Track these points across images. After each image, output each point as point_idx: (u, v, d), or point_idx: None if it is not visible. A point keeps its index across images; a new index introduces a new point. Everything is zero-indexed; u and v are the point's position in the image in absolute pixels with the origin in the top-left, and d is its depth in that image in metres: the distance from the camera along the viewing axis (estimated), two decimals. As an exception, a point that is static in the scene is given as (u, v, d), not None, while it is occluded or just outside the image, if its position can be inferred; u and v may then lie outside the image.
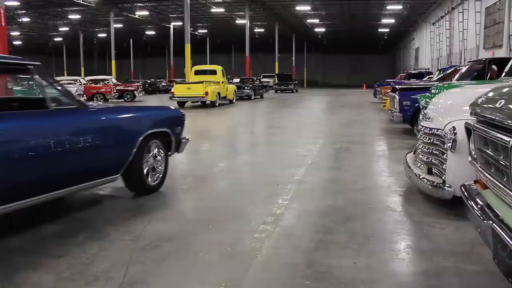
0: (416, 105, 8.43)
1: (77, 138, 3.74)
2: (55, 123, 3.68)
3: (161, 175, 4.79)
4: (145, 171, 4.52)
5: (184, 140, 5.14)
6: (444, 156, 3.81)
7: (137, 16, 36.60)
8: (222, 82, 20.09)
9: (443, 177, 3.82)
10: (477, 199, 2.39)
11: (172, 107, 5.61)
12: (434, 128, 4.02)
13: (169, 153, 4.94)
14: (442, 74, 11.57)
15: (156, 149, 4.72)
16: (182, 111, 5.34)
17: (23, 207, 3.36)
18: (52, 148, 3.46)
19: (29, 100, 4.61)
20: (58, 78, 22.99)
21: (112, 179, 4.25)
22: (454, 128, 3.59)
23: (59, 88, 3.94)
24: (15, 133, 3.30)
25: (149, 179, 4.61)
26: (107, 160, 4.16)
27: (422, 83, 12.00)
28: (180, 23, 37.59)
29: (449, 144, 3.61)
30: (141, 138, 4.41)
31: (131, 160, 4.31)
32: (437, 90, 6.21)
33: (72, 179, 3.79)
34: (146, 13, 36.57)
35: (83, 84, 21.39)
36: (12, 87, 11.16)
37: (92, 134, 3.88)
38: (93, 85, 22.34)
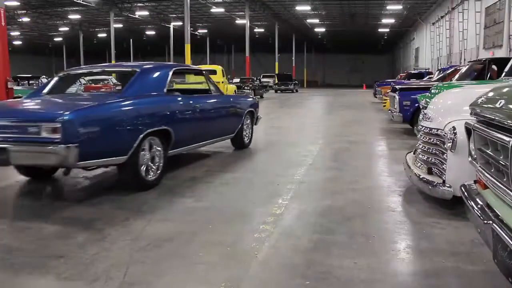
0: (416, 105, 8.43)
1: (222, 109, 6.74)
2: (210, 100, 6.53)
3: (250, 138, 7.74)
4: (244, 134, 7.42)
5: (259, 117, 8.11)
6: (444, 156, 3.81)
7: (137, 16, 36.59)
8: (222, 82, 20.06)
9: (443, 177, 3.82)
10: (477, 199, 2.39)
11: (253, 97, 9.11)
12: (434, 128, 4.02)
13: (254, 124, 7.90)
14: (442, 74, 11.57)
15: (248, 120, 7.59)
16: (256, 99, 8.52)
17: (197, 148, 6.22)
18: (206, 113, 6.14)
19: (202, 90, 7.09)
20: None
21: (230, 137, 7.06)
22: (454, 128, 3.59)
23: (213, 84, 6.91)
24: (195, 105, 5.85)
25: (245, 139, 7.55)
26: (230, 125, 6.97)
27: (422, 83, 12.00)
28: (180, 23, 37.58)
29: (449, 144, 3.61)
30: (245, 112, 7.34)
31: (240, 126, 7.19)
32: (437, 90, 6.22)
33: (216, 134, 6.53)
34: (146, 13, 36.56)
35: (83, 84, 21.35)
36: (12, 87, 11.20)
37: (227, 108, 6.90)
38: (93, 85, 22.31)
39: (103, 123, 4.37)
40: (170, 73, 5.65)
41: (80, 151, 3.99)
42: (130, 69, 5.79)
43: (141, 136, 4.64)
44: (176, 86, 8.15)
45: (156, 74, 5.59)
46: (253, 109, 7.70)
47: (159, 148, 5.01)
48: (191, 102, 5.84)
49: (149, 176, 4.85)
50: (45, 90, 5.60)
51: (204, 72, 6.89)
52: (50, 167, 4.99)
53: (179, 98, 5.76)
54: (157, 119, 5.04)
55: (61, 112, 4.07)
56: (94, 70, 6.44)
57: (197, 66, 22.73)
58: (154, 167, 4.93)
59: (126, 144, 4.51)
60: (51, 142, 3.93)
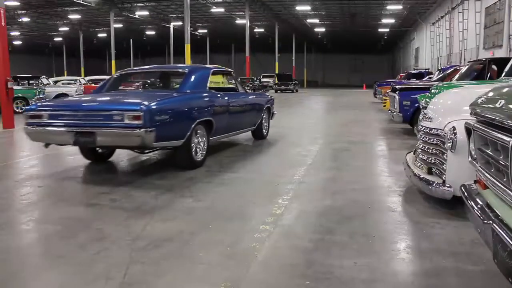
0: (416, 105, 8.44)
1: (247, 105, 7.82)
2: (240, 97, 7.66)
3: (267, 130, 8.90)
4: (263, 126, 8.56)
5: (274, 112, 9.29)
6: (444, 156, 3.81)
7: (137, 16, 36.60)
8: (222, 83, 20.08)
9: (443, 177, 3.82)
10: (477, 199, 2.38)
11: (269, 95, 9.77)
12: (434, 128, 4.02)
13: (270, 119, 9.08)
14: (442, 74, 11.57)
15: (266, 115, 8.64)
16: (272, 96, 9.55)
17: (228, 136, 7.39)
18: (233, 107, 7.08)
19: (230, 88, 8.30)
20: (58, 78, 23.04)
21: (252, 129, 8.18)
22: (454, 128, 3.59)
23: (239, 82, 8.15)
24: (225, 101, 6.83)
25: (264, 132, 8.66)
26: (253, 118, 8.04)
27: (422, 83, 12.00)
28: (180, 23, 37.59)
29: (449, 144, 3.61)
30: (264, 108, 8.44)
31: (260, 119, 8.31)
32: (437, 90, 6.22)
33: (243, 126, 7.66)
34: (146, 13, 36.56)
35: (83, 84, 21.34)
36: (12, 87, 11.20)
37: (251, 104, 8.00)
38: (93, 85, 22.32)
39: (170, 113, 5.49)
40: (210, 74, 6.82)
41: (155, 135, 5.06)
42: (180, 70, 7.06)
43: (194, 124, 5.79)
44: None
45: (200, 74, 6.68)
46: (269, 105, 8.91)
47: (204, 136, 6.11)
48: (226, 98, 6.91)
49: (197, 157, 5.97)
50: (107, 87, 6.94)
51: (232, 72, 8.18)
52: (130, 148, 5.92)
53: (218, 95, 6.77)
54: (204, 111, 6.17)
55: (142, 103, 5.13)
56: (145, 71, 7.95)
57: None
58: (200, 150, 6.04)
59: (184, 130, 5.64)
60: (134, 127, 4.99)
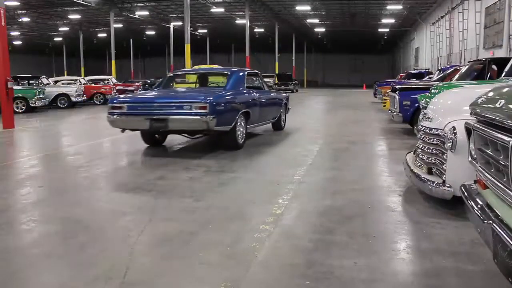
0: (416, 105, 8.43)
1: (271, 100, 9.31)
2: (266, 94, 9.12)
3: (284, 123, 10.50)
4: (281, 119, 10.15)
5: (289, 108, 11.17)
6: (444, 156, 3.81)
7: (137, 16, 36.56)
8: (222, 82, 20.07)
9: (443, 177, 3.82)
10: (477, 199, 2.38)
11: (286, 93, 11.19)
12: (434, 128, 4.02)
13: (286, 113, 10.71)
14: (442, 74, 11.57)
15: (283, 110, 10.21)
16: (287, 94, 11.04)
17: (258, 126, 8.77)
18: (263, 102, 8.61)
19: (256, 86, 9.30)
20: (58, 78, 23.01)
21: (273, 121, 9.70)
22: (454, 128, 3.59)
23: (264, 82, 9.70)
24: (257, 96, 8.37)
25: (282, 124, 10.25)
26: (275, 112, 9.60)
27: (422, 83, 12.00)
28: (180, 23, 37.58)
29: (449, 144, 3.61)
30: (282, 103, 10.07)
31: (280, 113, 9.90)
32: (437, 90, 6.22)
33: (268, 118, 9.15)
34: (146, 13, 36.53)
35: (83, 84, 21.33)
36: (12, 87, 11.21)
37: (273, 99, 9.51)
38: (93, 85, 22.31)
39: (225, 105, 7.03)
40: (246, 75, 8.48)
41: (216, 121, 6.64)
42: (225, 72, 8.72)
43: (238, 114, 7.33)
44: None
45: (240, 75, 8.31)
46: (286, 101, 10.59)
47: (243, 124, 7.62)
48: (257, 94, 8.51)
49: (239, 140, 7.47)
50: (163, 84, 8.71)
51: (259, 73, 9.75)
52: (195, 132, 7.41)
53: (252, 92, 8.37)
54: (245, 104, 7.73)
55: (207, 97, 6.75)
56: (194, 72, 9.93)
57: (198, 66, 22.82)
58: (241, 135, 7.55)
59: (232, 118, 7.17)
60: (201, 114, 6.58)
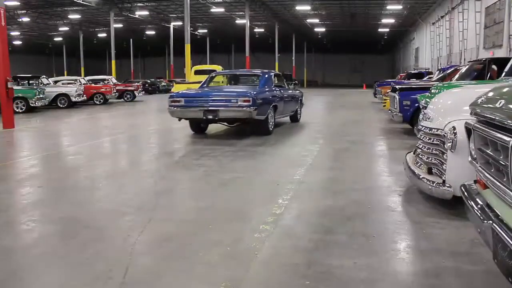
0: (416, 105, 8.43)
1: (291, 96, 11.18)
2: (286, 91, 11.01)
3: (300, 116, 12.29)
4: (298, 113, 12.05)
5: (303, 103, 12.94)
6: (444, 156, 3.81)
7: (137, 16, 36.57)
8: (222, 82, 20.07)
9: (443, 177, 3.82)
10: (477, 199, 2.38)
11: (300, 91, 13.26)
12: (434, 128, 4.02)
13: (301, 108, 12.63)
14: (442, 74, 11.57)
15: (299, 105, 12.02)
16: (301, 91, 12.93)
17: (282, 117, 11.00)
18: (285, 98, 10.56)
19: (279, 85, 10.74)
20: (58, 78, 23.00)
21: (291, 114, 11.61)
22: (454, 128, 3.59)
23: (284, 80, 11.92)
24: (281, 93, 10.37)
25: (298, 117, 12.13)
26: (293, 106, 11.45)
27: (422, 83, 12.00)
28: (180, 23, 37.57)
29: (449, 144, 3.61)
30: (299, 100, 12.09)
31: (297, 107, 11.85)
32: (437, 90, 6.22)
33: (289, 111, 11.13)
34: (146, 13, 36.54)
35: (83, 84, 21.31)
36: (12, 87, 11.20)
37: (292, 96, 11.36)
38: (93, 85, 22.29)
39: (262, 99, 8.90)
40: (274, 75, 10.53)
41: (256, 111, 8.55)
42: (257, 73, 10.73)
43: (270, 107, 9.24)
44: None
45: (269, 75, 10.28)
46: (301, 98, 12.47)
47: (272, 114, 9.50)
48: (282, 91, 10.43)
49: (270, 128, 9.36)
50: (207, 82, 10.49)
51: (280, 74, 11.87)
52: (240, 119, 9.10)
53: (278, 89, 10.26)
54: (274, 99, 9.64)
55: (249, 92, 8.73)
56: (232, 73, 12.26)
57: (198, 66, 22.77)
58: (271, 124, 9.44)
59: (266, 110, 9.06)
60: (245, 106, 8.50)
